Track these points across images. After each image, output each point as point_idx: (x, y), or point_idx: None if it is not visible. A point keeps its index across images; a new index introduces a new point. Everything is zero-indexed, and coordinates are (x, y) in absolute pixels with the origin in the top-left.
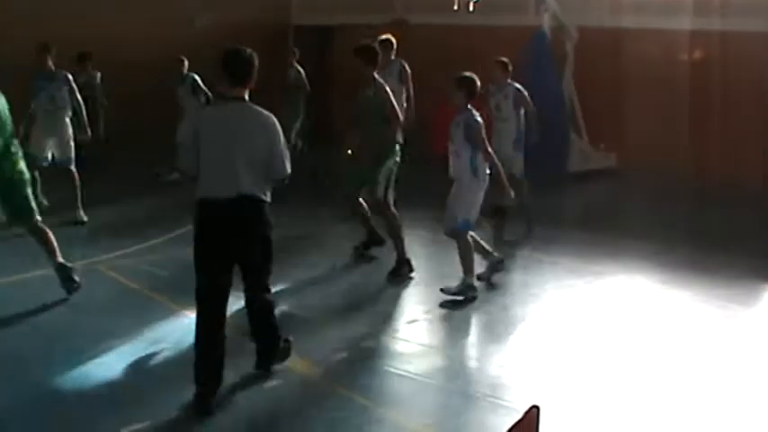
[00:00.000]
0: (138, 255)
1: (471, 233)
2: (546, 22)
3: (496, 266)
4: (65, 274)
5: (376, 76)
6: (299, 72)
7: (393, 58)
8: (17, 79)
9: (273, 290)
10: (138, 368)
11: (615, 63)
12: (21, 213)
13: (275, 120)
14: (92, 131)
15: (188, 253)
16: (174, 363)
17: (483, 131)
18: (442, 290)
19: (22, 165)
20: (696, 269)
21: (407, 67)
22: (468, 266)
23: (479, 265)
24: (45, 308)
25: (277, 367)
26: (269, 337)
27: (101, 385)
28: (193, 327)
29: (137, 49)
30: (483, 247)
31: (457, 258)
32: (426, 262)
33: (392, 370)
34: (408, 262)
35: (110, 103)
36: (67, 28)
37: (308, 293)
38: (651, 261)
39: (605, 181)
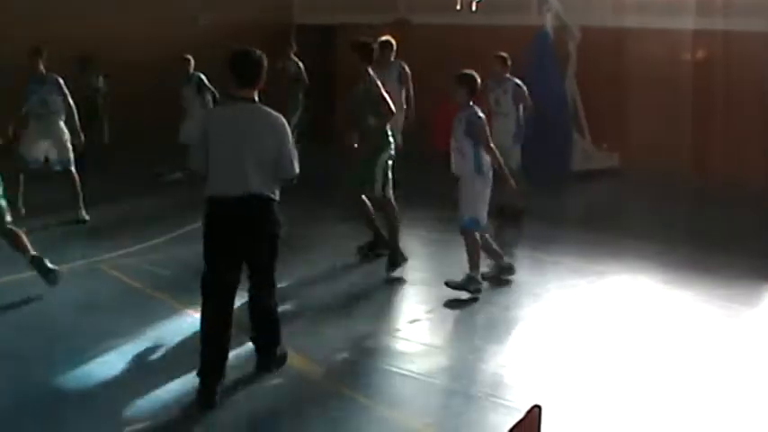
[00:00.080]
0: (139, 254)
1: (486, 234)
2: (548, 22)
3: (504, 271)
4: (41, 266)
5: (370, 71)
6: (297, 65)
7: (393, 59)
8: (17, 79)
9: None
10: (140, 367)
11: (618, 63)
12: None
13: (284, 120)
14: (93, 136)
15: (190, 252)
16: (176, 362)
17: (486, 128)
18: (446, 283)
19: None
20: (698, 269)
21: (407, 69)
22: (473, 263)
23: (484, 266)
24: (46, 307)
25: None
26: (270, 335)
27: (102, 384)
28: (195, 326)
29: (137, 49)
30: (495, 251)
31: (457, 258)
32: (427, 262)
33: (393, 369)
34: (402, 253)
35: (110, 103)
36: (67, 28)
37: (309, 292)
38: (653, 261)
39: (608, 181)
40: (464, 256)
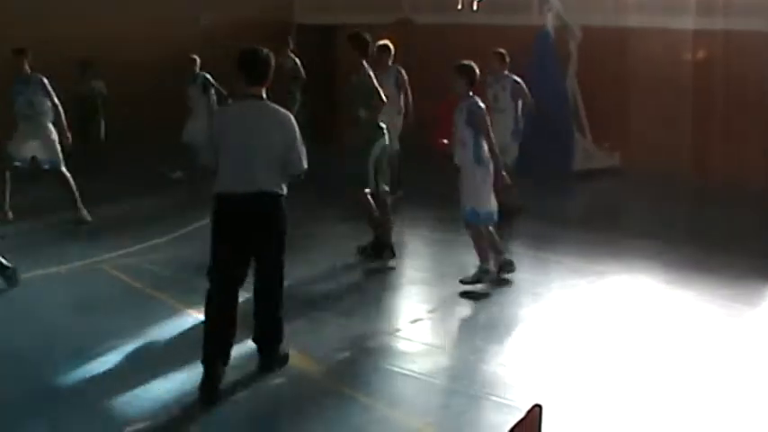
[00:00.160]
0: (140, 254)
1: (489, 227)
2: (549, 22)
3: (504, 267)
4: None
5: (365, 63)
6: (294, 62)
7: (390, 64)
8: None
9: None
10: (141, 367)
11: (619, 62)
12: None
13: (292, 117)
14: (92, 136)
15: (190, 252)
16: (177, 362)
17: (486, 118)
18: (461, 281)
19: None
20: (699, 269)
21: (404, 74)
22: (481, 254)
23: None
24: (47, 307)
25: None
26: (273, 333)
27: (103, 384)
28: (196, 326)
29: (137, 49)
30: (496, 245)
31: (458, 258)
32: (428, 261)
33: (394, 369)
34: (391, 248)
35: (108, 104)
36: (67, 28)
37: (309, 292)
38: (654, 260)
39: (609, 180)
40: (464, 257)
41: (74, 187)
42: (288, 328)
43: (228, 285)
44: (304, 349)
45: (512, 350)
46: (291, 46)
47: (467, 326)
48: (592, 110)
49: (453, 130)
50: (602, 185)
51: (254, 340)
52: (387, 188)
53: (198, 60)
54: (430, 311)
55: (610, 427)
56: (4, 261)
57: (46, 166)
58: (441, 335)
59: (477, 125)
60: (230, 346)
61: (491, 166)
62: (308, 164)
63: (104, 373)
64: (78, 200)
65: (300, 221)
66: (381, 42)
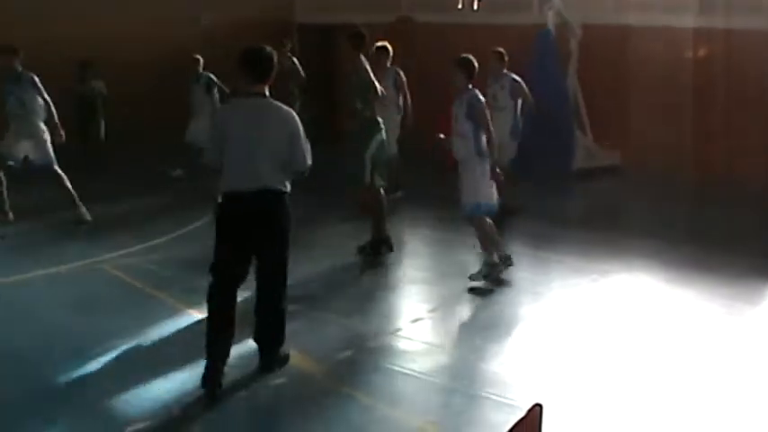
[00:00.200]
0: (141, 254)
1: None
2: (550, 20)
3: (502, 261)
4: None
5: (362, 57)
6: (293, 62)
7: (389, 65)
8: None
9: None
10: (141, 367)
11: (619, 60)
12: None
13: (295, 114)
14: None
15: (190, 252)
16: (177, 361)
17: (486, 111)
18: (470, 277)
19: None
20: (700, 267)
21: (402, 75)
22: (486, 247)
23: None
24: (48, 307)
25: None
26: (275, 332)
27: (103, 384)
28: (196, 325)
29: (137, 48)
30: (495, 239)
31: (458, 258)
32: (429, 261)
33: (395, 368)
34: (387, 241)
35: (108, 104)
36: (68, 28)
37: (310, 292)
38: (655, 259)
39: (609, 179)
40: (465, 257)
41: (70, 186)
42: (288, 328)
43: (229, 283)
44: (304, 349)
45: (512, 349)
46: (290, 46)
47: (467, 325)
48: (592, 108)
49: (452, 124)
50: (602, 184)
51: (255, 340)
52: (383, 183)
53: (201, 60)
54: (430, 311)
55: (610, 425)
56: None
57: (39, 164)
58: (441, 334)
59: (477, 118)
60: (230, 341)
61: (486, 161)
62: (317, 166)
63: (105, 372)
64: (76, 198)
65: (301, 221)
66: (380, 44)
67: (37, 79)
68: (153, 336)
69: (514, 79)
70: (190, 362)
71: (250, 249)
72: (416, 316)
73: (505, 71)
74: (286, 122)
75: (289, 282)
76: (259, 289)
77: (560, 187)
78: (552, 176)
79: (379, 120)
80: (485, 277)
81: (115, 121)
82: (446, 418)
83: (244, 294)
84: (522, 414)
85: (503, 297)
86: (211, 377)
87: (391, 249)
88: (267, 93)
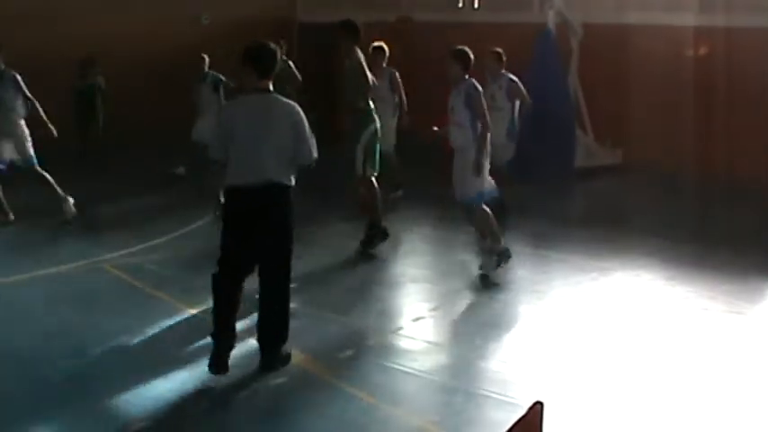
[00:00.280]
0: (141, 253)
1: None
2: (551, 19)
3: (498, 254)
4: None
5: (356, 49)
6: (288, 65)
7: (385, 65)
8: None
9: None
10: (142, 366)
11: (620, 59)
12: None
13: (299, 108)
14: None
15: (191, 251)
16: (178, 361)
17: (482, 99)
18: (480, 268)
19: None
20: (701, 266)
21: (398, 75)
22: (492, 235)
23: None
24: (48, 307)
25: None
26: (278, 330)
27: (103, 384)
28: (197, 325)
29: (138, 47)
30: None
31: (459, 257)
32: (430, 259)
33: (396, 367)
34: (384, 231)
35: (111, 102)
36: (69, 26)
37: (311, 291)
38: (656, 257)
39: (611, 177)
40: (465, 255)
41: (53, 183)
42: (290, 327)
43: (235, 275)
44: (306, 348)
45: (513, 348)
46: (285, 49)
47: (468, 324)
48: (593, 107)
49: (449, 115)
50: (603, 183)
51: (258, 338)
52: (375, 173)
53: (207, 59)
54: (431, 309)
55: (611, 423)
56: None
57: (21, 165)
58: (442, 333)
59: (474, 107)
60: (234, 324)
61: (489, 148)
62: (318, 164)
63: (105, 372)
64: (62, 194)
65: (301, 220)
66: (376, 44)
67: (19, 77)
68: (153, 335)
69: (512, 80)
70: (190, 361)
71: (255, 243)
72: (417, 314)
73: (504, 71)
74: (291, 117)
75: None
76: (263, 284)
77: (561, 186)
78: (553, 176)
79: (372, 110)
80: (497, 267)
81: (116, 119)
82: (447, 416)
83: (245, 294)
84: (523, 412)
85: (504, 295)
86: (218, 359)
87: (386, 237)
88: (271, 88)
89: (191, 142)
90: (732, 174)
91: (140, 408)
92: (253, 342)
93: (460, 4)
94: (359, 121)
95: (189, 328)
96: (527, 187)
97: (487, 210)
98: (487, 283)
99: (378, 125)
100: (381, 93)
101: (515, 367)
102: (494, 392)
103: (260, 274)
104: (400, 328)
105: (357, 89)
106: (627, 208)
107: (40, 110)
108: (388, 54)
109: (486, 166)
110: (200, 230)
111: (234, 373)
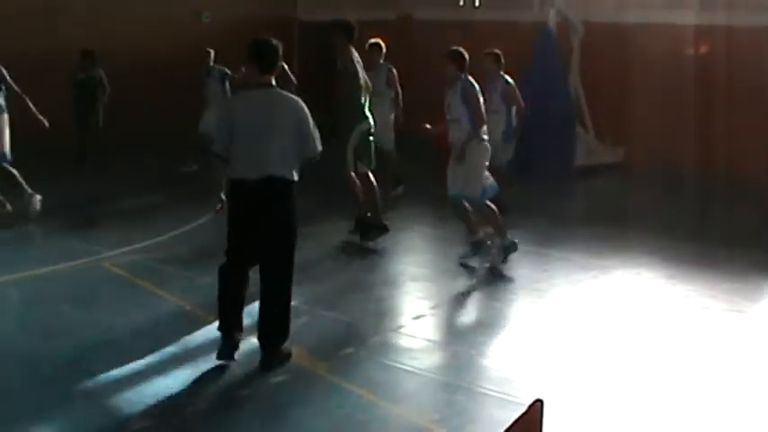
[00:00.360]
0: (142, 251)
1: (463, 204)
2: (551, 18)
3: (473, 250)
4: None
5: (351, 49)
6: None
7: (382, 61)
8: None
9: None
10: (143, 364)
11: (621, 58)
12: None
13: (303, 103)
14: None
15: (192, 250)
16: (179, 359)
17: (478, 95)
18: (488, 263)
19: None
20: (701, 264)
21: (395, 71)
22: (498, 231)
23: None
24: (50, 305)
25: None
26: (279, 327)
27: (105, 383)
28: (197, 323)
29: (139, 45)
30: (470, 221)
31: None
32: (430, 258)
33: (397, 365)
34: (384, 227)
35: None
36: (71, 23)
37: (311, 288)
38: (657, 256)
39: (611, 175)
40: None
41: (19, 177)
42: (291, 326)
43: (241, 266)
44: (306, 346)
45: (514, 346)
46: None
47: (469, 322)
48: (594, 105)
49: (445, 112)
50: (604, 181)
51: (258, 336)
52: (370, 168)
53: (212, 53)
54: (432, 308)
55: (611, 421)
56: None
57: None
58: (443, 331)
59: (469, 101)
60: (241, 315)
61: (487, 143)
62: (318, 162)
63: (106, 370)
64: (27, 188)
65: (302, 217)
66: (372, 40)
67: (5, 72)
68: (154, 333)
69: (508, 82)
70: (191, 359)
71: (257, 238)
72: (418, 313)
73: (501, 73)
74: (294, 111)
75: None
76: (264, 280)
77: (562, 184)
78: (554, 174)
79: (364, 110)
80: (505, 259)
81: (116, 118)
82: (448, 414)
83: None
84: (523, 410)
85: (504, 294)
86: (226, 349)
87: (386, 231)
88: (274, 83)
89: (197, 136)
90: (733, 172)
91: (142, 406)
92: (253, 340)
93: (461, 3)
94: (349, 121)
95: (190, 327)
96: (528, 186)
97: (492, 206)
98: (497, 274)
99: (371, 123)
100: (379, 88)
101: (516, 365)
102: (494, 390)
103: (261, 271)
104: (401, 327)
105: (348, 89)
106: (627, 206)
107: (28, 102)
108: (384, 50)
109: (485, 165)
110: (201, 228)
111: (234, 370)
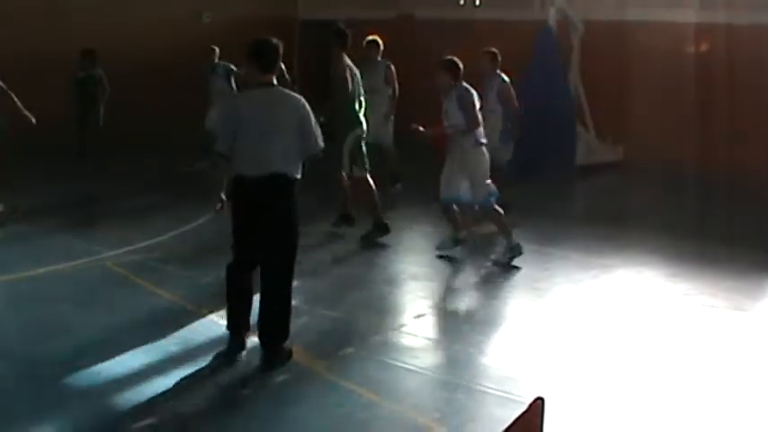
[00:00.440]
0: (143, 251)
1: (455, 207)
2: (552, 16)
3: (456, 243)
4: None
5: (343, 55)
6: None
7: (380, 58)
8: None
9: None
10: (145, 363)
11: (621, 56)
12: None
13: (305, 101)
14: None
15: (193, 249)
16: (180, 357)
17: (474, 100)
18: (494, 261)
19: None
20: (702, 263)
21: (393, 68)
22: (504, 231)
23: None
24: (50, 304)
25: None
26: (280, 326)
27: (106, 382)
28: (198, 323)
29: (139, 45)
30: (455, 220)
31: (460, 254)
32: (430, 257)
33: (398, 364)
34: (385, 227)
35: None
36: (71, 25)
37: (312, 287)
38: (657, 254)
39: (612, 174)
40: (466, 253)
41: None
42: (291, 325)
43: (246, 263)
44: (307, 345)
45: (515, 344)
46: None
47: (470, 321)
48: (594, 104)
49: (443, 119)
50: (605, 180)
51: (259, 334)
52: (366, 170)
53: (217, 50)
54: (433, 306)
55: (612, 419)
56: None
57: None
58: (444, 330)
59: (465, 107)
60: (248, 313)
61: (485, 151)
62: (314, 163)
63: (107, 370)
64: None
65: (303, 218)
66: (370, 38)
67: None
68: (155, 333)
69: (503, 80)
70: (191, 358)
71: (259, 237)
72: (419, 311)
73: (498, 72)
74: (296, 109)
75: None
76: (265, 279)
77: (562, 183)
78: (554, 173)
79: (358, 115)
80: (511, 259)
81: (116, 118)
82: (449, 413)
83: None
84: (524, 408)
85: (505, 293)
86: (233, 348)
87: (387, 232)
88: (275, 82)
89: (204, 133)
90: (733, 170)
91: (143, 405)
92: (254, 338)
93: (462, 2)
94: (343, 125)
95: (190, 326)
96: (528, 185)
97: (499, 209)
98: (498, 272)
99: (364, 130)
100: (377, 86)
101: (516, 364)
102: (495, 389)
103: (262, 269)
104: (402, 325)
105: (340, 98)
106: (628, 205)
107: (14, 99)
108: (382, 47)
109: (488, 164)
110: (201, 228)
111: (235, 369)
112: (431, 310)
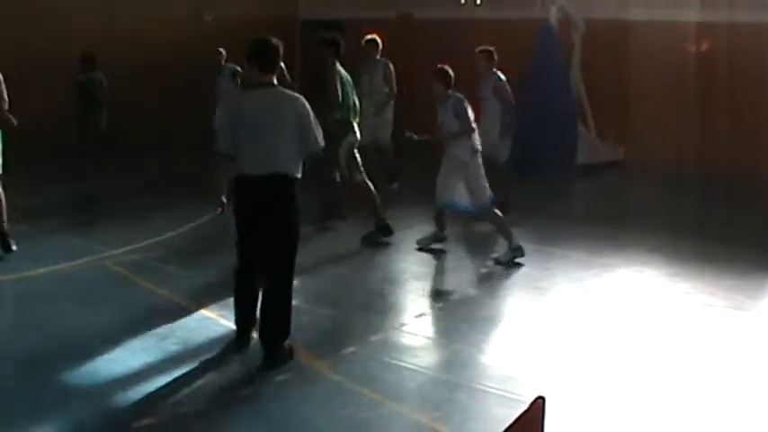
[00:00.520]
0: (144, 251)
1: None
2: (553, 15)
3: (437, 240)
4: None
5: (336, 65)
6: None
7: (378, 57)
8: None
9: None
10: (145, 363)
11: (622, 55)
12: None
13: (305, 100)
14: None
15: (193, 249)
16: (180, 357)
17: (466, 108)
18: (496, 261)
19: None
20: (703, 262)
21: (391, 67)
22: (506, 234)
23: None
24: (50, 304)
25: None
26: (281, 325)
27: (107, 382)
28: (199, 322)
29: (140, 45)
30: (442, 222)
31: (461, 254)
32: (431, 256)
33: (399, 363)
34: (387, 228)
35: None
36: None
37: (312, 288)
38: (658, 254)
39: (613, 173)
40: (467, 252)
41: None
42: (292, 324)
43: (250, 261)
44: (308, 344)
45: (516, 344)
46: None
47: (471, 320)
48: (596, 103)
49: (440, 127)
50: (606, 179)
51: (259, 334)
52: (361, 174)
53: (224, 53)
54: (434, 306)
55: (613, 418)
56: None
57: None
58: (445, 329)
59: (461, 114)
60: (254, 312)
61: (480, 157)
62: (314, 162)
63: (108, 370)
64: None
65: (303, 217)
66: (369, 37)
67: None
68: (155, 332)
69: (500, 79)
70: (192, 358)
71: (259, 237)
72: (420, 311)
73: (495, 70)
74: (296, 107)
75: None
76: (267, 276)
77: (563, 182)
78: (555, 172)
79: (350, 122)
80: (512, 261)
81: (116, 118)
82: (450, 412)
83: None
84: (524, 407)
85: (506, 292)
86: (240, 342)
87: (390, 233)
88: (275, 82)
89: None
90: (734, 170)
91: (143, 404)
92: (255, 337)
93: (462, 1)
94: (336, 133)
95: (191, 325)
96: (528, 185)
97: (499, 212)
98: (499, 271)
99: (357, 138)
100: (376, 85)
101: (517, 363)
102: (496, 388)
103: (263, 269)
104: (403, 325)
105: (329, 103)
106: (629, 204)
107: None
108: (380, 46)
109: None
110: (201, 228)
111: (236, 369)
112: (431, 310)
